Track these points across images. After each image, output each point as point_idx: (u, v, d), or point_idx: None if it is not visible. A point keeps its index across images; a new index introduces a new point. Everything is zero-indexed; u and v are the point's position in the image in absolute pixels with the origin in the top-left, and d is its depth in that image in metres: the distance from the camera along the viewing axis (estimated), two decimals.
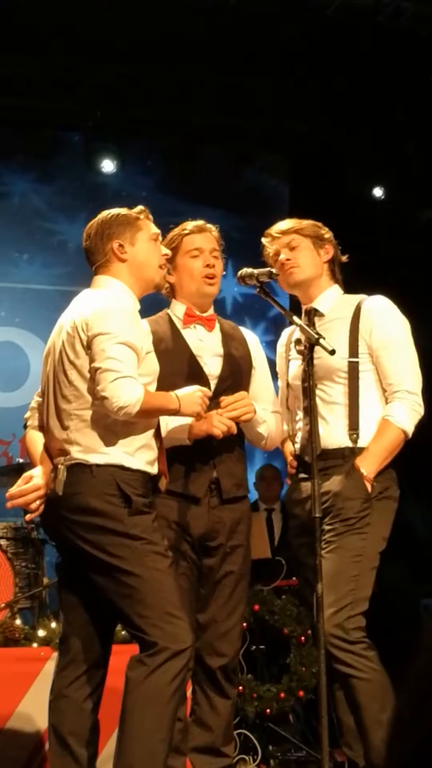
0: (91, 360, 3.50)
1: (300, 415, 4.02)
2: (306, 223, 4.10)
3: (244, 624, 4.94)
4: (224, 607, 3.90)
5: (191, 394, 3.62)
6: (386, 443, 3.85)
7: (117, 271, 3.71)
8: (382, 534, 3.87)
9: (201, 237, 4.04)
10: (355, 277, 4.21)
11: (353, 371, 3.89)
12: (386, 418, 3.87)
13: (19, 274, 8.87)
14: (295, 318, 3.76)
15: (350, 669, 3.70)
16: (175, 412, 3.60)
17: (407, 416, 3.86)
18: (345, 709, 3.86)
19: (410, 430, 3.88)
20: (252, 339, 4.19)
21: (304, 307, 4.08)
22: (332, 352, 3.59)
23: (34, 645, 4.96)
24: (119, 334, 3.48)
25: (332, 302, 4.04)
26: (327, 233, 4.11)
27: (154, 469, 3.64)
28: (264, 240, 4.12)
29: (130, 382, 3.42)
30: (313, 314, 4.00)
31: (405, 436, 3.88)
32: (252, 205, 8.81)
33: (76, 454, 3.55)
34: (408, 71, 7.77)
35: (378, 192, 8.93)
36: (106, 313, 3.55)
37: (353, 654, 3.70)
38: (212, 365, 4.00)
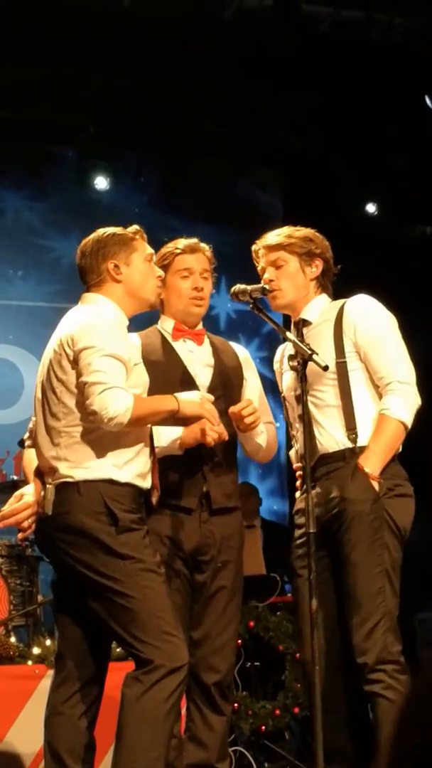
0: (78, 375, 3.50)
1: (297, 425, 4.00)
2: (296, 236, 4.01)
3: (239, 641, 4.93)
4: (217, 622, 3.89)
5: (193, 397, 3.61)
6: (386, 438, 3.75)
7: (110, 290, 3.71)
8: (398, 533, 3.74)
9: (193, 258, 4.05)
10: (346, 291, 4.20)
11: (342, 371, 3.84)
12: (382, 413, 3.77)
13: (13, 291, 8.88)
14: (288, 334, 3.74)
15: (378, 687, 3.60)
16: (174, 413, 3.57)
17: (403, 407, 3.77)
18: (337, 730, 3.80)
19: (408, 420, 3.78)
20: (242, 352, 4.21)
21: (293, 320, 4.06)
22: (325, 368, 3.57)
23: (29, 663, 4.95)
24: (104, 347, 3.48)
25: (319, 310, 4.00)
26: (318, 247, 4.02)
27: (145, 483, 3.62)
28: (254, 248, 4.09)
29: (118, 392, 3.41)
30: (301, 325, 3.98)
31: (404, 427, 3.78)
32: (245, 220, 8.81)
33: (64, 470, 3.54)
34: (400, 86, 7.80)
35: (371, 207, 8.95)
36: (91, 327, 3.54)
37: (385, 673, 3.61)
38: (203, 376, 4.01)
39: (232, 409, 3.84)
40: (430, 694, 0.77)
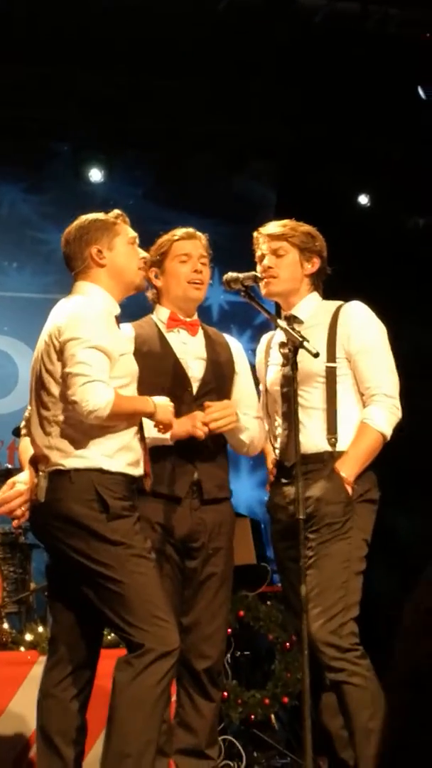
0: (63, 365, 3.54)
1: (279, 420, 4.05)
2: (300, 230, 4.07)
3: (229, 630, 4.96)
4: (208, 609, 3.92)
5: (167, 404, 3.66)
6: (365, 446, 3.87)
7: (96, 276, 3.75)
8: (364, 537, 3.89)
9: (190, 243, 4.08)
10: (339, 284, 4.23)
11: (331, 376, 3.92)
12: (364, 422, 3.89)
13: (8, 282, 8.89)
14: (279, 321, 3.79)
15: (344, 675, 3.71)
16: (150, 416, 3.63)
17: (385, 419, 3.89)
18: (331, 715, 3.87)
19: (388, 432, 3.90)
20: (235, 345, 4.23)
21: (283, 314, 4.10)
22: (316, 355, 3.63)
23: (22, 649, 4.98)
24: (89, 339, 3.52)
25: (311, 309, 4.05)
26: (318, 245, 4.09)
27: (136, 471, 3.66)
28: (255, 235, 4.12)
29: (100, 386, 3.46)
30: (292, 321, 4.02)
31: (383, 438, 3.90)
32: (239, 212, 8.81)
33: (56, 459, 3.58)
34: (395, 78, 7.80)
35: (364, 199, 8.97)
36: (77, 318, 3.59)
37: (347, 661, 3.71)
38: (195, 368, 4.03)
39: (205, 404, 3.87)
40: (423, 618, 0.79)
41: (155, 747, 3.46)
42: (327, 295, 4.16)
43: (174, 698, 3.92)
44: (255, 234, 4.13)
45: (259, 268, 4.05)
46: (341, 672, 3.71)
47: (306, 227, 4.11)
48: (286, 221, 4.13)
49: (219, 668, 4.03)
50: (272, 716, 5.57)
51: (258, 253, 4.10)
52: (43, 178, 8.85)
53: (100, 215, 3.82)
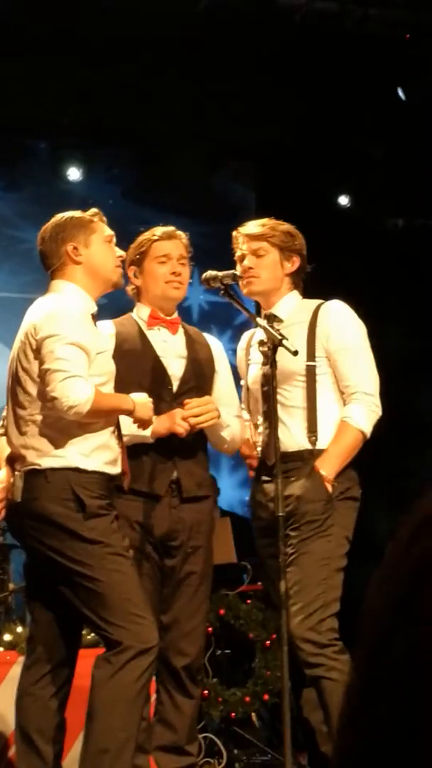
0: (41, 363, 3.53)
1: (260, 419, 4.06)
2: (279, 230, 4.08)
3: (210, 628, 4.96)
4: (187, 607, 3.93)
5: (146, 401, 3.66)
6: (345, 444, 3.89)
7: (72, 273, 3.74)
8: (345, 534, 3.91)
9: (170, 244, 4.08)
10: (318, 284, 4.24)
11: (311, 374, 3.94)
12: (344, 420, 3.91)
13: None
14: (258, 320, 3.81)
15: (322, 670, 3.73)
16: (129, 414, 3.63)
17: (365, 417, 3.91)
18: (311, 709, 3.89)
19: (368, 430, 3.93)
20: (215, 344, 4.24)
21: (263, 312, 4.11)
22: (295, 353, 3.64)
23: (0, 649, 4.96)
24: (67, 335, 3.52)
25: (291, 308, 4.06)
26: (297, 243, 4.10)
27: (114, 469, 3.66)
28: (235, 234, 4.13)
29: (80, 381, 3.45)
30: (272, 319, 4.04)
31: (363, 436, 3.92)
32: (219, 212, 8.82)
33: (32, 458, 3.58)
34: (376, 78, 7.83)
35: (344, 200, 8.99)
36: (54, 315, 3.58)
37: (325, 657, 3.73)
38: (175, 367, 4.03)
39: (185, 402, 3.88)
40: (402, 553, 0.80)
41: (134, 744, 3.47)
42: (305, 296, 4.17)
43: (153, 696, 3.93)
44: (234, 233, 4.13)
45: (239, 267, 4.06)
46: (319, 667, 3.73)
47: (285, 226, 4.12)
48: (265, 220, 4.14)
49: (198, 665, 4.04)
50: (253, 714, 5.58)
51: (238, 253, 4.10)
52: (19, 176, 8.82)
53: (77, 213, 3.82)
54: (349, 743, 0.78)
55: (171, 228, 4.14)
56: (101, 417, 3.60)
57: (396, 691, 0.75)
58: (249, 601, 5.71)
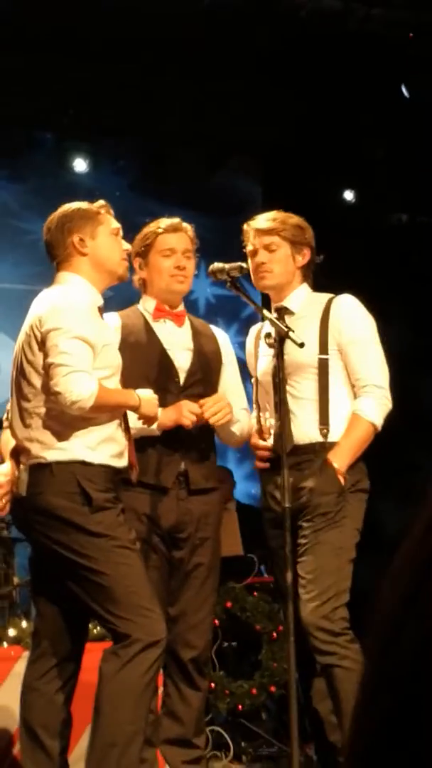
0: (45, 356, 3.51)
1: (271, 411, 4.06)
2: (290, 223, 4.07)
3: (216, 621, 4.96)
4: (194, 599, 3.93)
5: (152, 397, 3.64)
6: (357, 437, 3.90)
7: (78, 265, 3.71)
8: (356, 526, 3.93)
9: (175, 237, 4.05)
10: (325, 278, 4.24)
11: (323, 367, 3.94)
12: (356, 413, 3.92)
13: None
14: (265, 312, 3.81)
15: (335, 658, 3.73)
16: (134, 410, 3.61)
17: (376, 410, 3.92)
18: (320, 699, 3.90)
19: (379, 423, 3.94)
20: (222, 336, 4.23)
21: (273, 305, 4.10)
22: (301, 345, 3.64)
23: (5, 644, 4.95)
24: (72, 329, 3.49)
25: (302, 301, 4.07)
26: (308, 236, 4.10)
27: (120, 462, 3.64)
28: (245, 228, 4.11)
29: (83, 376, 3.43)
30: (283, 312, 4.04)
31: (374, 429, 3.94)
32: (224, 206, 8.81)
33: (37, 451, 3.55)
34: (378, 76, 7.82)
35: (349, 195, 8.98)
36: (59, 308, 3.55)
37: (337, 645, 3.74)
38: (182, 359, 4.02)
39: (200, 403, 3.87)
40: (415, 548, 0.82)
41: (142, 737, 3.46)
42: (313, 290, 4.17)
43: (161, 688, 3.92)
44: (245, 227, 4.11)
45: (250, 262, 4.05)
46: (332, 655, 3.74)
47: (295, 219, 4.11)
48: (275, 214, 4.12)
49: (205, 658, 4.03)
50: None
51: (249, 248, 4.09)
52: (25, 167, 8.80)
53: (84, 204, 3.79)
54: (359, 734, 0.80)
55: (176, 220, 4.12)
56: (105, 412, 3.57)
57: (402, 683, 0.77)
58: (255, 594, 5.71)
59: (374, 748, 0.78)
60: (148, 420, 3.66)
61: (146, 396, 3.62)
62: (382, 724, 0.78)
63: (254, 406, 4.18)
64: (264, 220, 4.09)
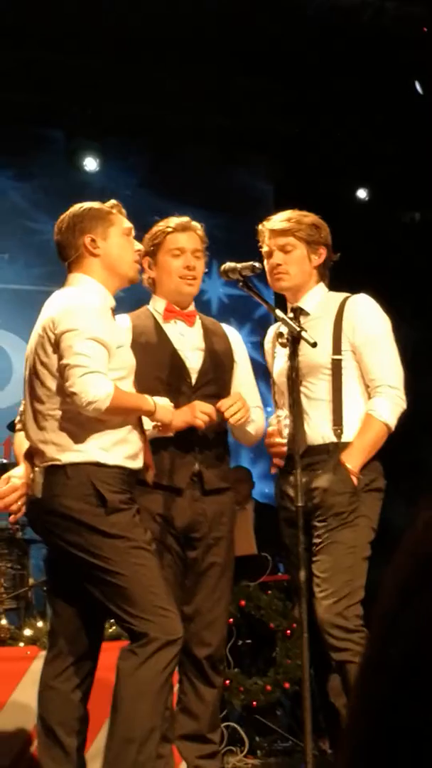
0: (60, 357, 3.48)
1: (285, 411, 4.06)
2: (305, 222, 4.03)
3: (231, 619, 4.97)
4: (209, 597, 3.94)
5: (167, 405, 3.64)
6: (370, 437, 3.90)
7: (89, 266, 3.68)
8: (371, 525, 3.93)
9: (184, 236, 4.03)
10: (338, 277, 4.23)
11: (336, 368, 3.94)
12: (369, 413, 3.91)
13: (1, 274, 8.85)
14: (278, 312, 3.80)
15: (349, 655, 3.74)
16: (149, 415, 3.61)
17: (390, 410, 3.91)
18: (336, 694, 3.92)
19: (393, 423, 3.93)
20: (233, 334, 4.22)
21: (289, 306, 4.09)
22: (314, 345, 3.64)
23: (21, 644, 4.97)
24: (86, 330, 3.46)
25: (317, 301, 4.05)
26: (323, 235, 4.07)
27: (135, 463, 3.63)
28: (260, 228, 4.08)
29: (99, 377, 3.41)
30: (298, 313, 4.03)
31: (388, 429, 3.93)
32: (236, 204, 8.81)
33: (52, 453, 3.55)
34: (391, 72, 7.81)
35: (362, 193, 8.97)
36: (73, 310, 3.53)
37: (352, 642, 3.75)
38: (193, 359, 4.01)
39: (218, 405, 3.87)
40: (416, 543, 0.84)
41: (159, 734, 3.48)
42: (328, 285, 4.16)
43: (176, 685, 3.94)
44: (260, 228, 4.08)
45: (266, 263, 4.03)
46: (346, 652, 3.75)
47: (310, 218, 4.08)
48: (290, 214, 4.08)
49: (220, 655, 4.05)
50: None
51: (265, 249, 4.06)
52: (34, 166, 8.79)
53: (95, 204, 3.75)
54: (355, 720, 0.85)
55: (186, 219, 4.09)
56: (120, 415, 3.56)
57: (396, 672, 0.82)
58: (269, 592, 5.73)
59: (369, 735, 0.81)
60: (163, 427, 3.65)
61: (162, 403, 3.61)
62: (378, 711, 0.81)
63: (273, 405, 4.18)
64: (279, 220, 4.05)
